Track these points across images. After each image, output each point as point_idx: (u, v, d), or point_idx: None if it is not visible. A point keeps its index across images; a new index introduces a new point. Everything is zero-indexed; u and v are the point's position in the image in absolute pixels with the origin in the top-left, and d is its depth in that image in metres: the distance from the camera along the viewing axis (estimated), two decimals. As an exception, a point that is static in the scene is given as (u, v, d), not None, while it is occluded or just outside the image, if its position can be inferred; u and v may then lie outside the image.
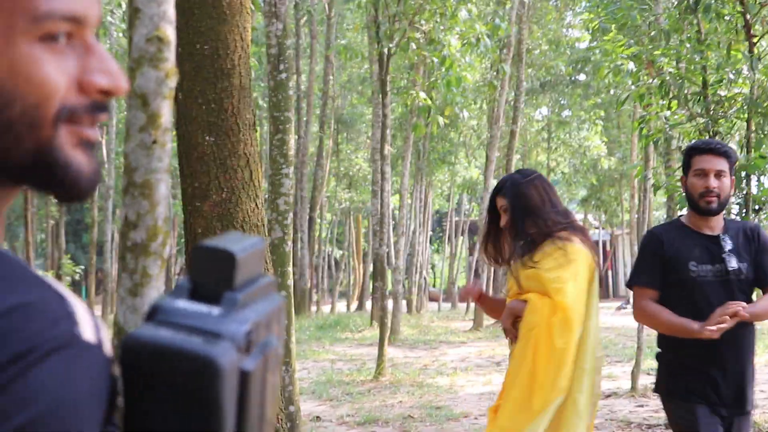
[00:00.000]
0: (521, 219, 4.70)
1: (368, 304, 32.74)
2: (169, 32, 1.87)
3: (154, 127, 1.81)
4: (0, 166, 0.96)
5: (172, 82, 1.81)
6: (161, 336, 0.94)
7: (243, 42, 3.75)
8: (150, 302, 1.00)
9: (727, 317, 4.20)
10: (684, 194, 4.52)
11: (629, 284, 4.61)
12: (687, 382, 4.45)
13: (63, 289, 0.96)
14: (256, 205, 3.71)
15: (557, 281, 4.59)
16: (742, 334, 4.37)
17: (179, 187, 3.80)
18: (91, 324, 0.95)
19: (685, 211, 8.43)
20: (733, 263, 4.38)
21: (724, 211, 4.54)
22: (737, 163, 7.47)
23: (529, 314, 4.49)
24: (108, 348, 0.98)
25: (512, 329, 4.59)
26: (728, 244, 4.41)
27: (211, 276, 1.01)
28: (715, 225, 4.51)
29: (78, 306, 0.95)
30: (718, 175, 4.37)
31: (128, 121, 1.84)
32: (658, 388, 4.68)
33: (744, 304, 4.28)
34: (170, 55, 1.88)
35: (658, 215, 33.00)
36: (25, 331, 0.85)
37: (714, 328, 4.17)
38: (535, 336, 4.47)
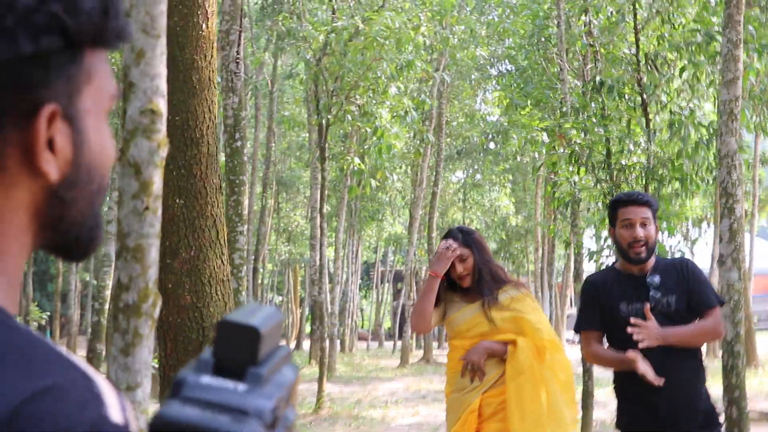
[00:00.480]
0: (486, 266, 4.63)
1: (305, 344, 32.45)
2: (161, 105, 1.75)
3: (147, 194, 1.69)
4: (48, 233, 0.87)
5: (164, 151, 1.69)
6: (189, 415, 0.82)
7: (210, 113, 3.64)
8: (176, 377, 0.87)
9: (642, 336, 3.95)
10: (615, 245, 4.40)
11: (576, 330, 4.42)
12: (630, 412, 4.29)
13: (88, 367, 0.83)
14: (222, 261, 3.57)
15: (540, 323, 4.55)
16: (678, 359, 4.12)
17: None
18: (118, 404, 0.83)
19: (588, 262, 8.49)
20: (657, 296, 4.18)
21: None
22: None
23: (521, 354, 4.40)
24: (134, 427, 0.86)
25: (482, 368, 4.44)
26: (656, 280, 4.23)
27: (235, 351, 0.89)
28: (645, 266, 4.30)
29: (104, 385, 0.82)
30: (643, 223, 4.19)
31: (121, 189, 1.71)
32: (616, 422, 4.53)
33: (657, 328, 4.03)
34: (162, 126, 1.77)
35: (558, 266, 33.22)
36: (54, 415, 0.73)
37: (632, 354, 3.98)
38: (534, 375, 4.39)
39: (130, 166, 1.70)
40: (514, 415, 4.34)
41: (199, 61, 3.68)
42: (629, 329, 3.96)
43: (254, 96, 28.01)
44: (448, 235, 4.70)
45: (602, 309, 4.27)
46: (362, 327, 55.15)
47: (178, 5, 3.65)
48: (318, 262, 16.10)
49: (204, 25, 3.73)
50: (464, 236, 4.66)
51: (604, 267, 7.48)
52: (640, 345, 3.96)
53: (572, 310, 29.39)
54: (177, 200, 3.53)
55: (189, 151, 3.58)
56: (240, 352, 0.89)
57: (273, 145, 28.96)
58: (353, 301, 32.87)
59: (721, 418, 4.48)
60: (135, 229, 1.71)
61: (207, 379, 0.87)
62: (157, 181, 1.73)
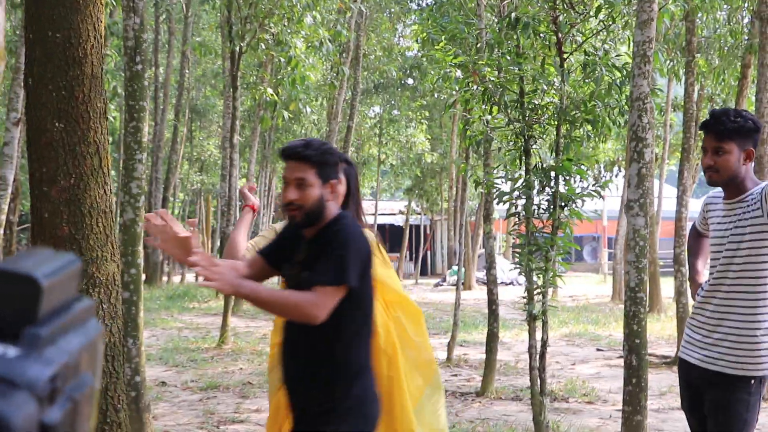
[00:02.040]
0: (355, 198, 4.30)
1: (215, 276, 32.18)
2: (-3, 12, 1.52)
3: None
4: None
5: (1, 66, 1.47)
6: (-64, 388, 0.65)
7: (96, 32, 3.39)
8: None
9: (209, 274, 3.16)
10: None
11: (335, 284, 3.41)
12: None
13: None
14: (105, 191, 3.35)
15: (389, 277, 4.32)
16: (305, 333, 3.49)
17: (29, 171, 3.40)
18: None
19: (496, 204, 8.43)
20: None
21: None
22: (547, 165, 7.54)
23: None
24: None
25: None
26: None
27: (8, 307, 0.72)
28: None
29: None
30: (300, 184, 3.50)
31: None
32: None
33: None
34: (-3, 37, 1.54)
35: (471, 204, 33.48)
36: None
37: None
38: (385, 330, 4.15)
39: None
40: None
41: (83, -26, 3.41)
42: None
43: (167, 20, 27.32)
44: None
45: None
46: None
47: None
48: (228, 193, 15.84)
49: (89, -65, 3.45)
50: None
51: (513, 210, 7.46)
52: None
53: (482, 250, 29.68)
54: (56, 124, 3.30)
55: (71, 71, 3.33)
56: (14, 308, 0.72)
57: (187, 72, 28.37)
58: (265, 233, 32.60)
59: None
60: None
61: (-32, 343, 0.70)
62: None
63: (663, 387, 10.47)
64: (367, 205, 29.48)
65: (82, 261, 3.34)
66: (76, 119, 3.27)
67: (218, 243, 29.13)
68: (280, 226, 4.18)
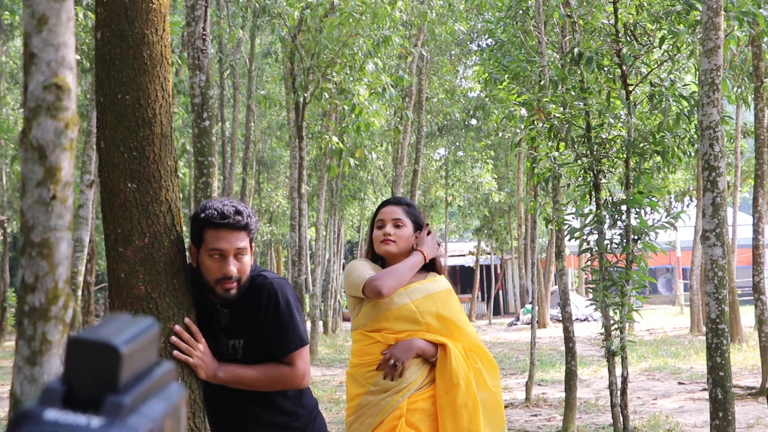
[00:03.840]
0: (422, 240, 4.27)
1: (289, 326, 32.34)
2: (69, 79, 1.55)
3: (53, 181, 1.49)
4: None
5: (73, 132, 1.50)
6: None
7: (164, 92, 3.44)
8: (17, 411, 0.69)
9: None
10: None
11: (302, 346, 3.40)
12: None
13: None
14: (178, 249, 3.38)
15: (467, 325, 4.24)
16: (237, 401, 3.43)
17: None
18: None
19: (568, 240, 8.35)
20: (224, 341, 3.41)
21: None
22: (617, 198, 7.42)
23: (454, 362, 4.02)
24: None
25: (402, 366, 3.91)
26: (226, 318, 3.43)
27: (89, 376, 0.71)
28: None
29: None
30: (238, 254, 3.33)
31: (24, 176, 1.52)
32: None
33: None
34: (70, 104, 1.56)
35: (542, 241, 33.22)
36: None
37: None
38: (466, 383, 4.05)
39: (33, 150, 1.50)
40: (447, 429, 3.92)
41: (150, 36, 3.49)
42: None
43: (231, 75, 27.80)
44: (388, 203, 4.22)
45: None
46: (346, 308, 55.14)
47: (125, -24, 3.45)
48: (298, 243, 15.93)
49: (154, -3, 3.52)
50: (404, 206, 4.22)
51: (585, 245, 7.37)
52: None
53: (555, 287, 29.36)
54: (129, 184, 3.35)
55: (141, 131, 3.39)
56: (95, 377, 0.71)
57: (252, 124, 28.76)
58: (336, 281, 32.72)
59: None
60: (41, 222, 1.52)
61: (53, 414, 0.69)
62: (65, 166, 1.54)
63: (750, 419, 10.17)
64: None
65: (159, 319, 3.35)
66: (147, 179, 3.32)
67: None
68: (365, 261, 4.19)
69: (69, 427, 0.67)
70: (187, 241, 3.47)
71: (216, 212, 3.30)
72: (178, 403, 0.80)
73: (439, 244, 4.29)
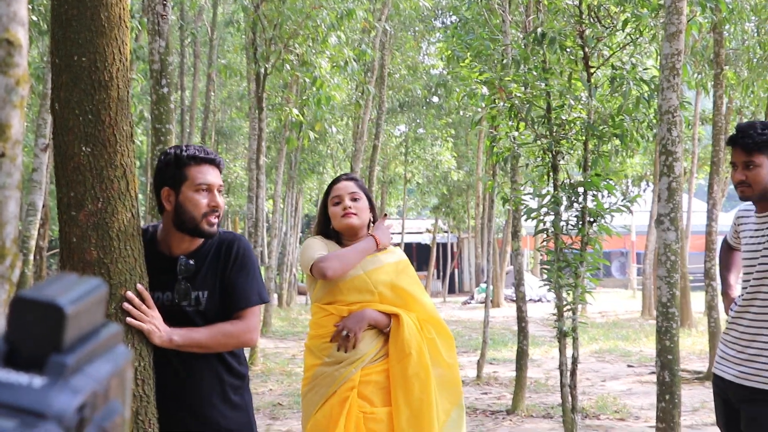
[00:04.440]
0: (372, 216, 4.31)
1: (243, 298, 32.22)
2: (21, 35, 1.51)
3: (3, 138, 1.46)
4: None
5: (24, 89, 1.46)
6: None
7: (122, 55, 3.40)
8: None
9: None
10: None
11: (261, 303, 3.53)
12: None
13: None
14: (132, 214, 3.35)
15: (424, 296, 4.26)
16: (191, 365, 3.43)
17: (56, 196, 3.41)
18: None
19: (524, 221, 8.40)
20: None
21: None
22: (575, 180, 7.46)
23: (406, 331, 4.03)
24: None
25: (358, 339, 3.98)
26: (188, 267, 3.44)
27: (32, 335, 0.70)
28: (192, 242, 3.51)
29: None
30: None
31: (-27, 132, 1.48)
32: None
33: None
34: (21, 60, 1.53)
35: (499, 221, 33.39)
36: None
37: None
38: (421, 358, 4.06)
39: (-19, 106, 1.47)
40: (399, 398, 3.96)
41: (108, -3, 3.44)
42: None
43: (193, 43, 27.53)
44: (341, 179, 4.28)
45: None
46: (302, 281, 54.96)
47: (85, -64, 3.39)
48: (255, 215, 15.86)
49: (114, -41, 3.46)
50: (358, 181, 4.30)
51: (542, 226, 7.40)
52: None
53: (510, 267, 29.52)
54: (83, 148, 3.31)
55: (97, 95, 3.34)
56: (39, 336, 0.70)
57: (212, 94, 28.53)
58: (292, 254, 32.67)
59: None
60: (-11, 179, 1.49)
61: (-7, 372, 0.68)
62: (15, 123, 1.51)
63: (696, 403, 10.34)
64: (393, 224, 29.49)
65: (110, 285, 3.32)
66: (103, 143, 3.28)
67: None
68: (319, 239, 4.21)
69: (10, 386, 0.66)
70: (142, 207, 3.44)
71: (198, 150, 3.45)
72: (124, 365, 0.79)
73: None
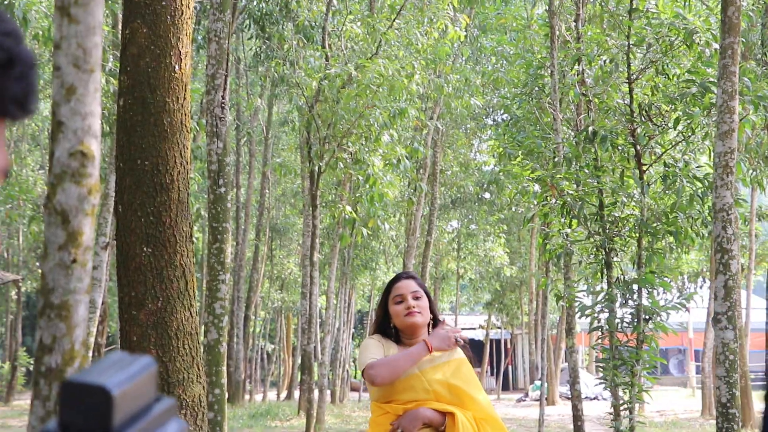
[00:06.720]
0: (436, 317, 4.32)
1: (296, 394, 32.07)
2: (94, 147, 1.59)
3: (75, 245, 1.52)
4: None
5: (95, 198, 1.53)
6: None
7: (182, 159, 3.49)
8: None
9: None
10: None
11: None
12: None
13: None
14: (191, 313, 3.40)
15: (480, 394, 4.22)
16: None
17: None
18: None
19: (579, 318, 8.35)
20: None
21: None
22: (629, 277, 7.44)
23: (461, 430, 4.00)
24: None
25: None
26: None
27: (83, 418, 0.73)
28: None
29: None
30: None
31: (47, 239, 1.55)
32: None
33: None
34: (94, 170, 1.60)
35: (552, 318, 33.04)
36: None
37: None
38: None
39: (56, 214, 1.54)
40: None
41: (171, 104, 3.55)
42: None
43: (248, 143, 28.04)
44: (401, 277, 4.34)
45: None
46: (355, 377, 54.57)
47: (150, 45, 3.52)
48: (308, 311, 15.90)
49: (177, 67, 3.59)
50: (418, 280, 4.34)
51: (596, 323, 7.34)
52: None
53: (565, 364, 29.11)
54: (144, 248, 3.38)
55: (158, 197, 3.43)
56: (89, 419, 0.72)
57: (267, 192, 28.93)
58: (345, 350, 32.56)
59: None
60: (61, 285, 1.54)
61: (47, 457, 0.71)
62: (87, 231, 1.57)
63: (761, 507, 10.00)
64: (447, 320, 29.26)
65: (168, 383, 3.35)
66: (163, 243, 3.34)
67: (299, 360, 29.23)
68: (377, 339, 4.20)
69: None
70: (198, 304, 3.50)
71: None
72: (180, 435, 0.81)
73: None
